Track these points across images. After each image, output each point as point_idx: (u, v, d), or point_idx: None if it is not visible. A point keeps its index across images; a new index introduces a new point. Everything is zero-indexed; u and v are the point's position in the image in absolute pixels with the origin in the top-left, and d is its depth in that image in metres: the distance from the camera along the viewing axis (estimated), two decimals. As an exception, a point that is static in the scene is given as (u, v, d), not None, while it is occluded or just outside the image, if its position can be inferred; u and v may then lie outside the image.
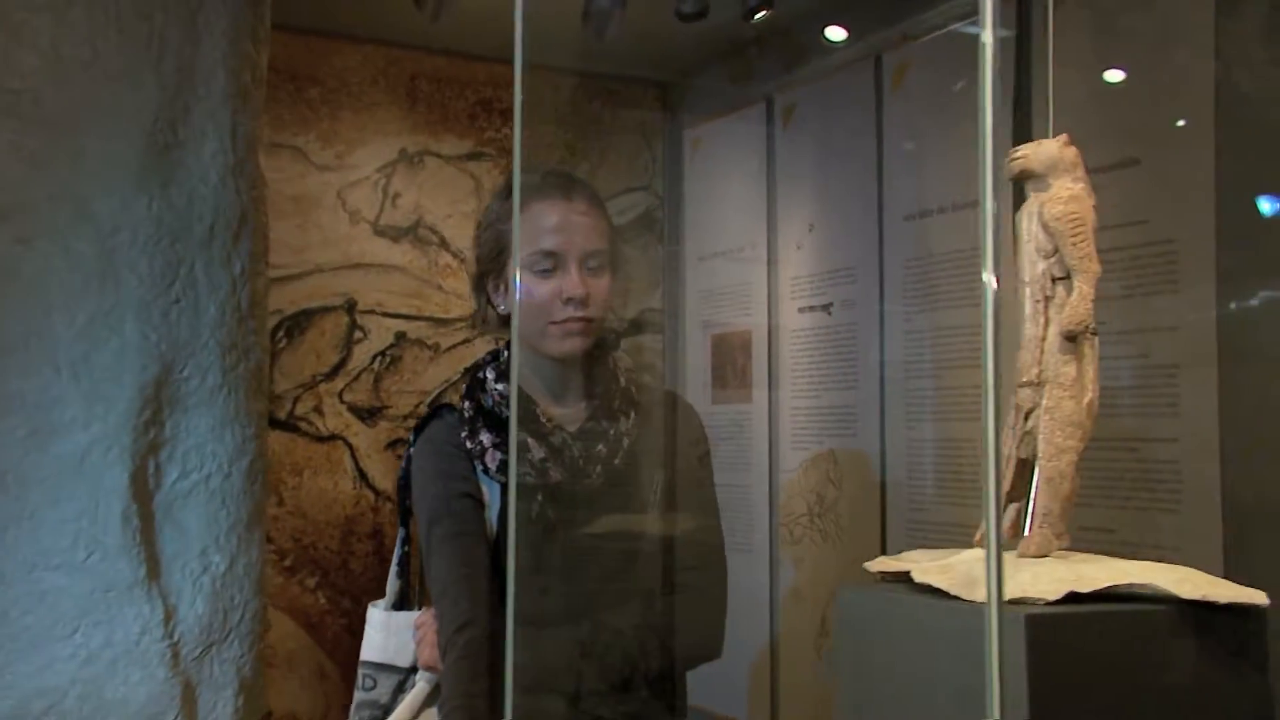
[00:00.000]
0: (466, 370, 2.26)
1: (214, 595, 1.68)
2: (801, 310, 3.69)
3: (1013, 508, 1.43)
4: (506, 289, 2.21)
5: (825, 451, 3.54)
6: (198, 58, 1.70)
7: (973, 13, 3.05)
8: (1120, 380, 2.55)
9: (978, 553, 1.43)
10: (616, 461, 2.19)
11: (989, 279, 0.90)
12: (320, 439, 3.81)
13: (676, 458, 2.24)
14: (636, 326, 4.20)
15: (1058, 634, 1.24)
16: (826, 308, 3.58)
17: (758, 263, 3.86)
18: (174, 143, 1.69)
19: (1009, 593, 1.29)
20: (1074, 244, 1.41)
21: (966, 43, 3.02)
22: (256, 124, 1.83)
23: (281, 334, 3.76)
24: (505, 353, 2.26)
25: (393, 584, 2.39)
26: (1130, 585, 1.31)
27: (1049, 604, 1.28)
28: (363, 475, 3.85)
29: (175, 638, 1.63)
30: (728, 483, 3.90)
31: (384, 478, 3.87)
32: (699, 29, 3.35)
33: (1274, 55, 2.28)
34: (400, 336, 3.91)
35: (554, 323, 2.15)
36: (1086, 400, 1.42)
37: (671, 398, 2.37)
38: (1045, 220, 1.43)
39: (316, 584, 3.77)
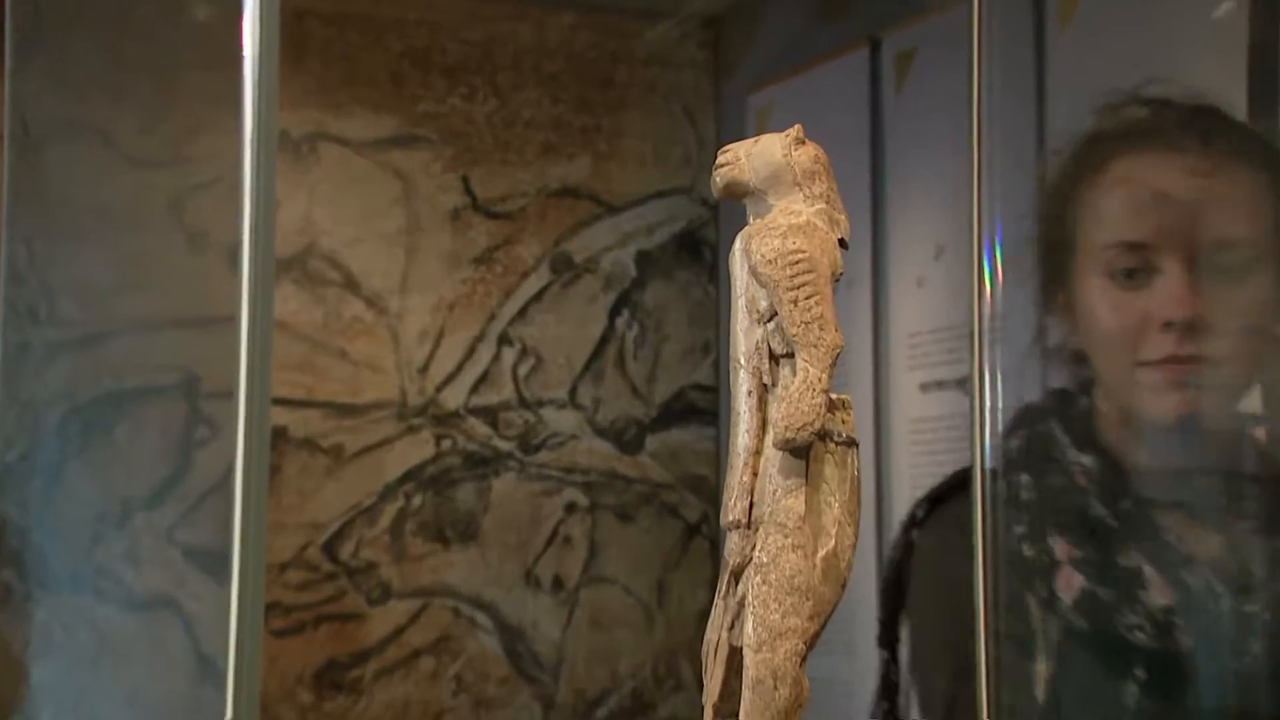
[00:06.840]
0: (1017, 421, 1.61)
1: None
2: (925, 387, 2.81)
3: (720, 723, 0.86)
4: (1075, 305, 1.70)
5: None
6: None
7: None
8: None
9: None
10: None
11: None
12: (132, 607, 2.45)
13: None
14: (670, 415, 2.76)
15: None
16: (962, 383, 2.64)
17: (858, 306, 2.93)
18: None
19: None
20: (794, 301, 0.83)
21: None
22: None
23: (74, 434, 2.41)
24: (1083, 400, 1.73)
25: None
26: None
27: None
28: (204, 660, 2.46)
29: None
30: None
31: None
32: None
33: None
34: (278, 435, 2.53)
35: (1144, 363, 1.63)
36: (824, 552, 0.84)
37: None
38: (754, 264, 0.85)
39: None
